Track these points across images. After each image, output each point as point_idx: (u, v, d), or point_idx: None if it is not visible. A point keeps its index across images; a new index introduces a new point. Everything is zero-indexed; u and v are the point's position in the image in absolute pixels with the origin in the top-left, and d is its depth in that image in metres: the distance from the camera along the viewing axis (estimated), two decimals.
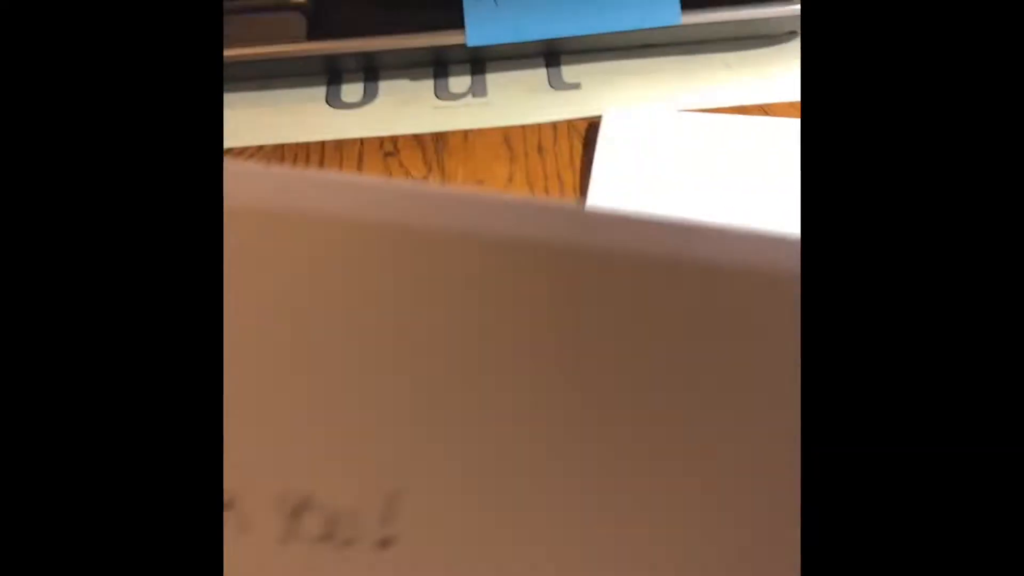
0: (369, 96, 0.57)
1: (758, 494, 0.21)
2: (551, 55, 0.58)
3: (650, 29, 0.56)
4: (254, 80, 0.58)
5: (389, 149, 0.54)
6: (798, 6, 0.54)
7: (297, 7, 0.57)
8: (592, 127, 0.53)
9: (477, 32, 0.54)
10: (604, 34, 0.55)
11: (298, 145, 0.54)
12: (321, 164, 0.53)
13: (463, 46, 0.55)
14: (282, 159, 0.53)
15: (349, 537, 0.19)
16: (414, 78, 0.58)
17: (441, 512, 0.19)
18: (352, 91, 0.57)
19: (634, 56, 0.58)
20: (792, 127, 0.52)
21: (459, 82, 0.58)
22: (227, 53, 0.55)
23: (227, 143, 0.55)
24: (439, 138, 0.54)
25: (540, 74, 0.58)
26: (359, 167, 0.53)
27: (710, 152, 0.51)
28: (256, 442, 0.19)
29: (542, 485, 0.20)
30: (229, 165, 0.22)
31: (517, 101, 0.56)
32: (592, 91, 0.56)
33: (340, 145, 0.54)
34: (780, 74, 0.56)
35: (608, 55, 0.58)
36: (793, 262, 0.21)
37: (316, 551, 0.18)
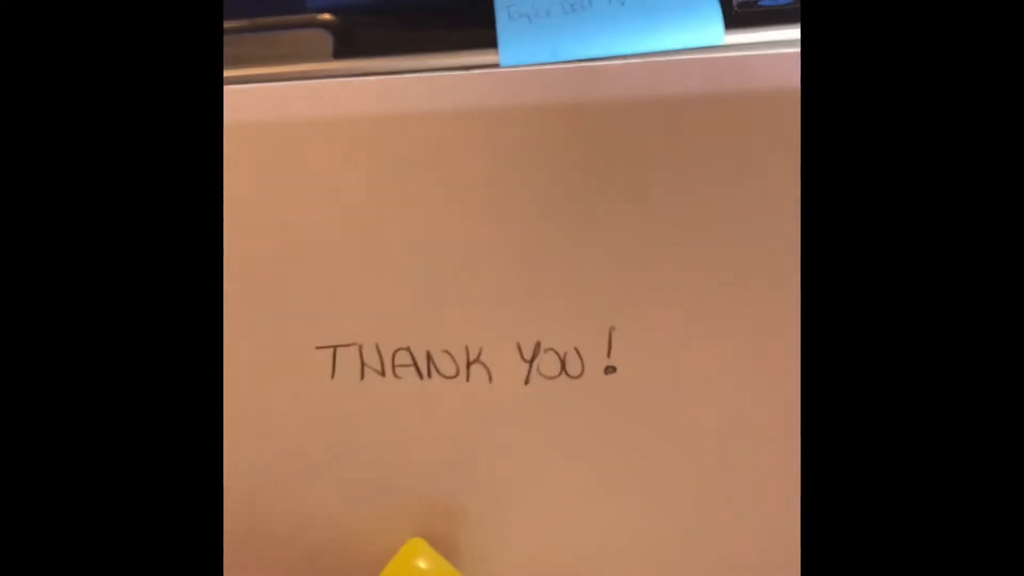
0: None
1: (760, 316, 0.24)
2: None
3: (691, 50, 0.53)
4: None
5: None
6: None
7: (323, 24, 0.55)
8: None
9: (511, 52, 0.52)
10: (642, 55, 0.53)
11: None
12: None
13: (496, 66, 0.52)
14: None
15: (578, 371, 0.20)
16: None
17: (649, 342, 0.21)
18: None
19: None
20: None
21: None
22: (249, 72, 0.53)
23: None
24: None
25: None
26: None
27: None
28: (493, 303, 0.21)
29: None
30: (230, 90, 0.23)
31: None
32: None
33: None
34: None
35: None
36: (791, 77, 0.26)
37: (554, 386, 0.19)
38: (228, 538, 0.21)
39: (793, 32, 0.53)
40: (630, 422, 0.22)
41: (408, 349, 0.21)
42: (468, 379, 0.21)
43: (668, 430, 0.23)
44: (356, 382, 0.22)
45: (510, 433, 0.20)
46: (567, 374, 0.22)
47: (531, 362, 0.22)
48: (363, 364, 0.22)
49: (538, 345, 0.22)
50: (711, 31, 0.52)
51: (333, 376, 0.22)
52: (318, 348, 0.22)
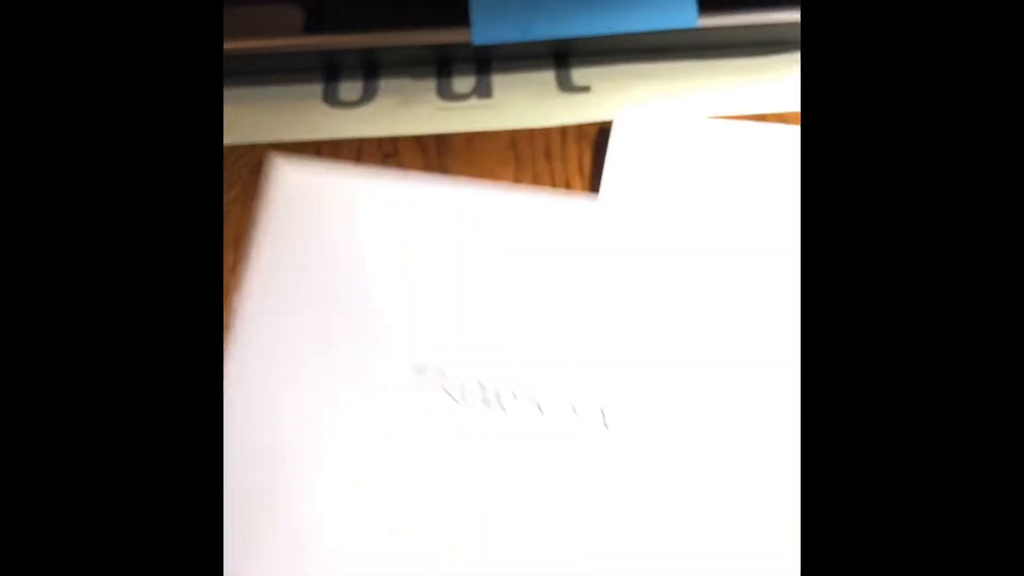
0: (369, 95, 0.54)
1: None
2: (560, 56, 0.56)
3: (665, 32, 0.53)
4: (248, 75, 0.55)
5: (389, 150, 0.51)
6: None
7: (295, 0, 0.54)
8: (603, 132, 0.51)
9: (483, 30, 0.52)
10: (617, 35, 0.53)
11: (294, 144, 0.51)
12: None
13: (468, 44, 0.52)
14: None
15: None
16: (416, 77, 0.55)
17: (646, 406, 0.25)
18: (351, 89, 0.55)
19: (647, 59, 0.55)
20: None
21: (463, 82, 0.55)
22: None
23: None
24: (441, 140, 0.51)
25: (548, 76, 0.55)
26: None
27: (725, 160, 0.48)
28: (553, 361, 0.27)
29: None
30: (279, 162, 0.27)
31: (524, 104, 0.53)
32: (603, 95, 0.54)
33: (337, 145, 0.51)
34: (799, 82, 0.54)
35: (620, 58, 0.55)
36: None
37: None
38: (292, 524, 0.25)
39: (767, 16, 0.53)
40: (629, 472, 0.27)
41: (479, 382, 0.28)
42: (518, 412, 0.27)
43: (661, 483, 0.27)
44: (435, 402, 0.27)
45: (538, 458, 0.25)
46: (604, 424, 0.28)
47: (565, 407, 0.28)
48: (444, 389, 0.28)
49: (570, 396, 0.28)
50: (685, 13, 0.52)
51: (416, 394, 0.27)
52: (412, 367, 0.28)
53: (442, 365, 0.28)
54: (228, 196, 0.49)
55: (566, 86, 0.54)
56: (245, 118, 0.53)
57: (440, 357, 0.28)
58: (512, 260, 0.31)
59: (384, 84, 0.55)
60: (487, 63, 0.56)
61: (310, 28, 0.53)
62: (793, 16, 0.52)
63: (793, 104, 0.52)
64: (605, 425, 0.28)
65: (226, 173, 0.50)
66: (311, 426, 0.27)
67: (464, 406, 0.27)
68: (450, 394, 0.27)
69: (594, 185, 0.48)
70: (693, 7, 0.52)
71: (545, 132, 0.51)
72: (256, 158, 0.51)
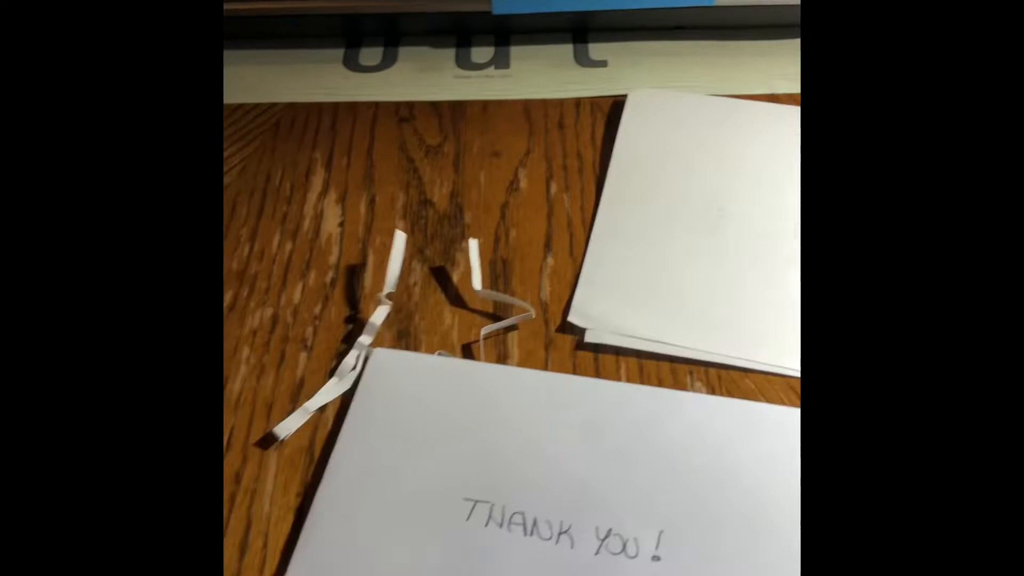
0: (388, 61, 0.55)
1: None
2: (578, 31, 0.56)
3: (683, 9, 0.54)
4: (273, 38, 0.56)
5: (405, 115, 0.52)
6: None
7: None
8: (616, 106, 0.51)
9: (504, 0, 0.52)
10: (635, 11, 0.53)
11: (311, 104, 0.52)
12: (333, 126, 0.51)
13: (488, 14, 0.53)
14: (294, 118, 0.52)
15: (634, 553, 0.33)
16: (435, 46, 0.56)
17: (689, 545, 0.32)
18: (371, 55, 0.56)
19: (664, 37, 0.56)
20: None
21: (482, 53, 0.56)
22: (246, 7, 0.53)
23: (241, 99, 0.53)
24: (456, 106, 0.52)
25: (566, 50, 0.56)
26: (372, 130, 0.51)
27: (734, 138, 0.49)
28: (586, 496, 0.34)
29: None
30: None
31: (541, 76, 0.54)
32: (619, 70, 0.54)
33: (355, 107, 0.52)
34: None
35: (637, 35, 0.56)
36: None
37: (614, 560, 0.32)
38: None
39: None
40: None
41: (522, 513, 0.34)
42: (557, 543, 0.33)
43: None
44: (481, 527, 0.34)
45: None
46: (626, 554, 0.33)
47: (602, 541, 0.33)
48: (490, 516, 0.34)
49: (609, 530, 0.33)
50: None
51: (468, 520, 0.34)
52: (464, 499, 0.34)
53: (497, 502, 0.34)
54: (248, 150, 0.50)
55: (583, 60, 0.55)
56: (268, 79, 0.54)
57: (495, 494, 0.35)
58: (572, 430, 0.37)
59: (404, 52, 0.56)
60: (506, 35, 0.56)
61: None
62: None
63: None
64: (655, 558, 0.33)
65: (247, 129, 0.51)
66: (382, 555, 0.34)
67: (526, 540, 0.33)
68: (509, 528, 0.34)
69: (604, 158, 0.48)
70: None
71: (559, 103, 0.52)
72: (276, 116, 0.52)
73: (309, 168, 0.49)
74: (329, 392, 0.38)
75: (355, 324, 0.41)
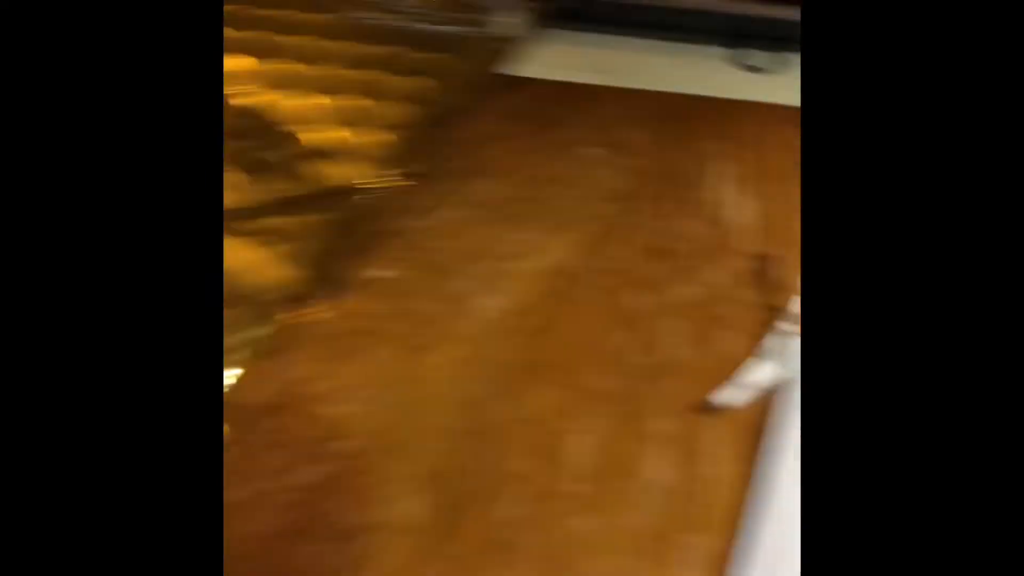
0: (777, 64, 0.56)
1: None
2: None
3: None
4: (662, 29, 0.59)
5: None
6: None
7: None
8: None
9: None
10: None
11: (695, 98, 0.55)
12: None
13: None
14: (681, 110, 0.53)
15: None
16: None
17: None
18: (760, 56, 0.57)
19: None
20: None
21: None
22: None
23: (628, 84, 0.56)
24: None
25: None
26: (761, 131, 0.51)
27: None
28: None
29: None
30: None
31: None
32: None
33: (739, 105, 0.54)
34: None
35: None
36: None
37: None
38: None
39: None
40: None
41: None
42: None
43: None
44: None
45: None
46: None
47: None
48: None
49: None
50: None
51: None
52: None
53: None
54: (667, 130, 0.52)
55: None
56: (654, 67, 0.57)
57: None
58: None
59: (793, 58, 0.57)
60: None
61: None
62: None
63: None
64: None
65: (640, 114, 0.53)
66: None
67: None
68: None
69: None
70: None
71: None
72: (664, 103, 0.54)
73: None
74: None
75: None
